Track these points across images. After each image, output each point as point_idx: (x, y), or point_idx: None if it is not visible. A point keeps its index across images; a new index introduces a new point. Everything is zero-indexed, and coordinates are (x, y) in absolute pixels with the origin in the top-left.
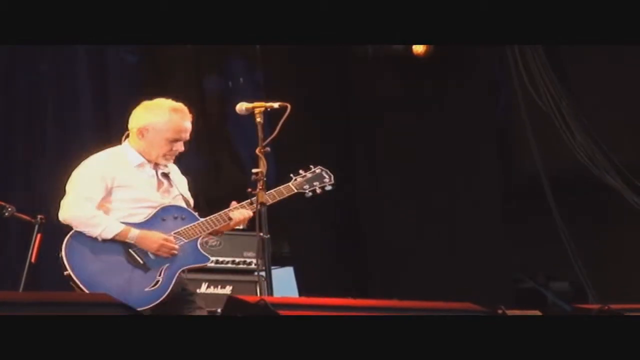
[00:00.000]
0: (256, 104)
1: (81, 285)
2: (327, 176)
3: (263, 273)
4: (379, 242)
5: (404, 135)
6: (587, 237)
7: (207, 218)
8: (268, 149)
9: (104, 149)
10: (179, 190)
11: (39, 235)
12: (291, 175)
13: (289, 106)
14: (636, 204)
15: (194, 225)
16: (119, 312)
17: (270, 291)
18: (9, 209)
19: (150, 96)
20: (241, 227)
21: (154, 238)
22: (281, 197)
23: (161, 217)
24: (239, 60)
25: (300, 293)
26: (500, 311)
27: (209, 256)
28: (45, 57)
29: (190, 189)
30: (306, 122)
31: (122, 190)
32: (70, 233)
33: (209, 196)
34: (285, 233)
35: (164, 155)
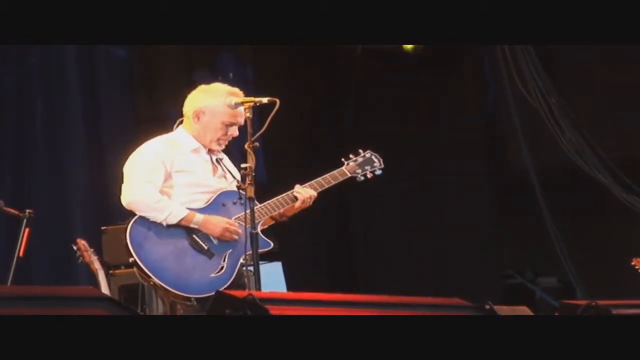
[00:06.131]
0: (245, 99)
1: (147, 271)
2: (376, 160)
3: (251, 268)
4: (368, 238)
5: (393, 133)
6: (575, 233)
7: (270, 201)
8: (257, 144)
9: (92, 144)
10: (234, 176)
11: (27, 230)
12: (343, 159)
13: (277, 101)
14: (624, 200)
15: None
16: (105, 306)
17: (258, 286)
18: None
19: (141, 91)
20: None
21: (217, 222)
22: (336, 181)
23: (221, 202)
24: (229, 55)
25: (289, 288)
26: (487, 307)
27: (270, 242)
28: (34, 51)
29: None
30: (295, 118)
31: (181, 175)
32: (134, 219)
33: None
34: (274, 228)
35: (218, 140)
